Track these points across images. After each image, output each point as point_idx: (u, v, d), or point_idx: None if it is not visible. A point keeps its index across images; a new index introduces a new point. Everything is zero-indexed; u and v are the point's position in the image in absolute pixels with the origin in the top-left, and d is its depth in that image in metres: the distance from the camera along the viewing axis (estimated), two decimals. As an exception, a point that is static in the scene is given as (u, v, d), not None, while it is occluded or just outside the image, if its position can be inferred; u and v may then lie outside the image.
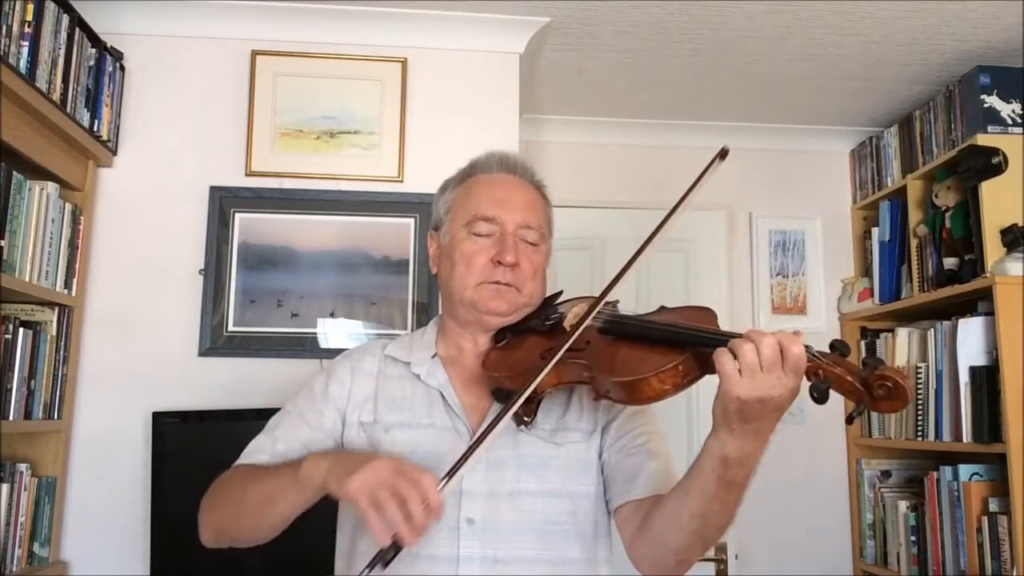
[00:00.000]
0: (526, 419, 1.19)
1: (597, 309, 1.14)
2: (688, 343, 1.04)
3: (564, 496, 1.21)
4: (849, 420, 0.97)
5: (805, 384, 0.98)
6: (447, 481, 1.00)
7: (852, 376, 0.95)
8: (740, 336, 0.99)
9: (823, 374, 0.96)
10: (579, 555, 1.21)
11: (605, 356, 1.12)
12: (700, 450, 1.06)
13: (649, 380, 1.04)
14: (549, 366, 1.09)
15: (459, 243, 1.28)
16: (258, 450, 1.28)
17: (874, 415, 2.99)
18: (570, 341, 1.11)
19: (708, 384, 1.06)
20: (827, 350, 0.99)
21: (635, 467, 1.21)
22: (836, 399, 0.98)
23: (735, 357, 0.96)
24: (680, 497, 1.09)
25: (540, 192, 1.35)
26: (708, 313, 1.15)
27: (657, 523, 1.13)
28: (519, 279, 1.26)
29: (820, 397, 0.95)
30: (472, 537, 1.16)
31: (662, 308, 1.22)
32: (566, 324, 1.23)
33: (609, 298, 1.26)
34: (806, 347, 0.97)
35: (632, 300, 1.21)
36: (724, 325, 1.12)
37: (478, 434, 1.06)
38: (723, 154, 1.19)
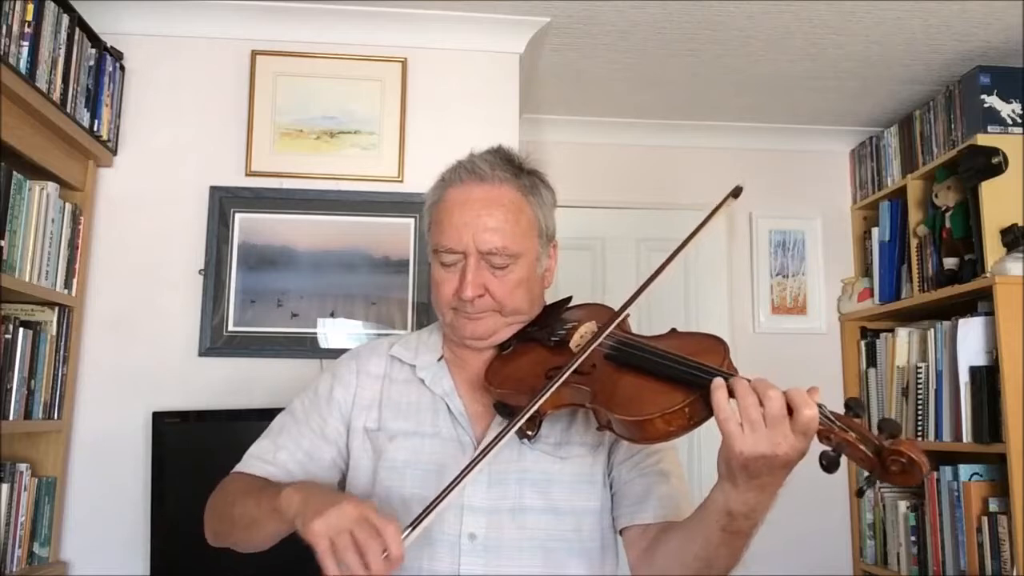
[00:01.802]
0: (529, 433, 1.14)
1: (601, 339, 1.09)
2: (694, 383, 0.99)
3: (568, 513, 1.18)
4: (859, 494, 0.92)
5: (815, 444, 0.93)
6: (411, 531, 0.97)
7: (865, 445, 0.90)
8: (747, 380, 0.94)
9: (835, 439, 0.91)
10: (584, 572, 1.18)
11: (609, 386, 1.07)
12: (706, 498, 1.03)
13: (654, 422, 0.99)
14: (547, 394, 1.05)
15: (433, 269, 1.24)
16: (259, 456, 1.26)
17: (875, 414, 2.99)
18: (570, 369, 1.06)
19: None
20: (842, 409, 0.93)
21: (645, 489, 1.17)
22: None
23: (740, 411, 0.91)
24: (684, 540, 1.06)
25: (520, 192, 1.22)
26: (719, 345, 1.07)
27: (660, 557, 1.11)
28: (494, 303, 1.20)
29: (830, 466, 0.89)
30: (474, 553, 1.13)
31: (673, 331, 1.16)
32: (573, 346, 1.18)
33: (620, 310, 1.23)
34: (819, 406, 0.91)
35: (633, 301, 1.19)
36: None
37: (455, 478, 1.01)
38: (736, 193, 1.14)
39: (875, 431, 0.91)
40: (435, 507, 0.98)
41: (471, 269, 1.17)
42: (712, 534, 1.01)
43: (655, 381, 1.03)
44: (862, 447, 0.90)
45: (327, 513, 0.95)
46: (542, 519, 1.17)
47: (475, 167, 1.22)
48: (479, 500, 1.16)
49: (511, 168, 1.23)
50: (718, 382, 0.95)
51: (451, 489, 0.99)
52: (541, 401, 1.05)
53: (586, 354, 1.08)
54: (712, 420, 0.99)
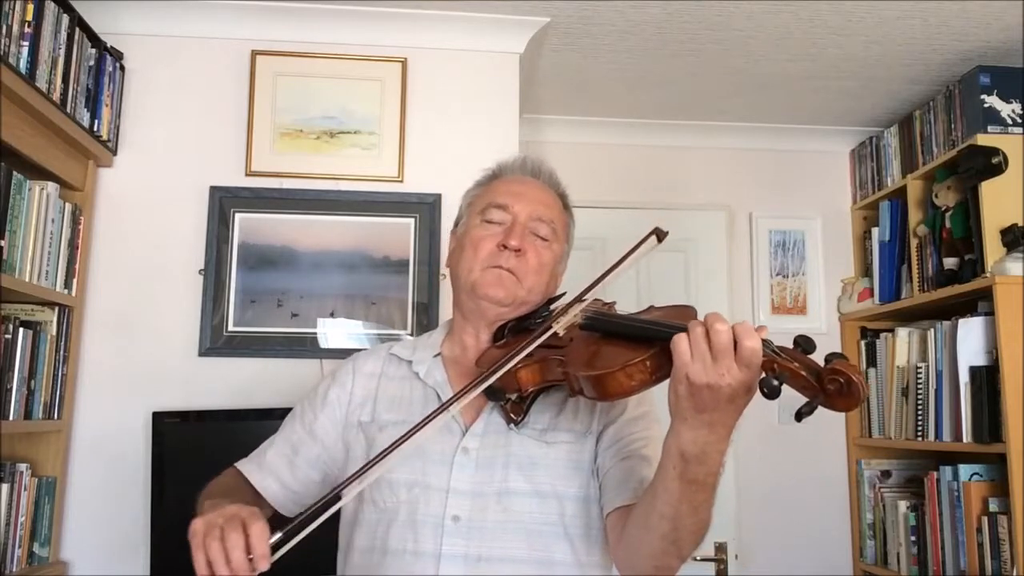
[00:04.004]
0: (514, 417, 1.19)
1: (574, 313, 1.14)
2: (656, 338, 1.01)
3: (552, 497, 1.19)
4: (798, 417, 0.91)
5: None
6: (281, 536, 1.00)
7: (806, 371, 0.92)
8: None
9: (778, 368, 0.92)
10: (567, 557, 1.19)
11: (582, 353, 1.11)
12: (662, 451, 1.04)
13: (615, 375, 1.02)
14: (515, 360, 1.10)
15: (471, 230, 1.31)
16: (251, 456, 1.35)
17: (875, 414, 2.99)
18: (542, 336, 1.10)
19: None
20: (791, 345, 0.95)
21: (627, 473, 1.18)
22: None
23: (690, 339, 0.95)
24: (648, 499, 1.06)
25: (561, 199, 1.37)
26: (689, 310, 1.13)
27: (630, 527, 1.11)
28: (522, 268, 1.26)
29: (770, 393, 0.90)
30: (456, 535, 1.16)
31: (651, 307, 1.21)
32: (553, 323, 1.22)
33: (607, 300, 1.27)
34: (765, 341, 0.93)
35: (632, 301, 1.21)
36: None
37: (368, 461, 1.06)
38: (659, 236, 1.18)
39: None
40: (323, 503, 1.04)
41: (519, 226, 1.27)
42: (671, 484, 1.01)
43: (624, 343, 1.07)
44: (804, 374, 0.92)
45: (208, 514, 1.02)
46: (527, 502, 1.19)
47: (533, 164, 1.37)
48: (465, 484, 1.18)
49: (555, 181, 1.38)
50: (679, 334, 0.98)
51: (360, 474, 1.04)
52: (504, 370, 1.10)
53: (557, 321, 1.13)
54: None
